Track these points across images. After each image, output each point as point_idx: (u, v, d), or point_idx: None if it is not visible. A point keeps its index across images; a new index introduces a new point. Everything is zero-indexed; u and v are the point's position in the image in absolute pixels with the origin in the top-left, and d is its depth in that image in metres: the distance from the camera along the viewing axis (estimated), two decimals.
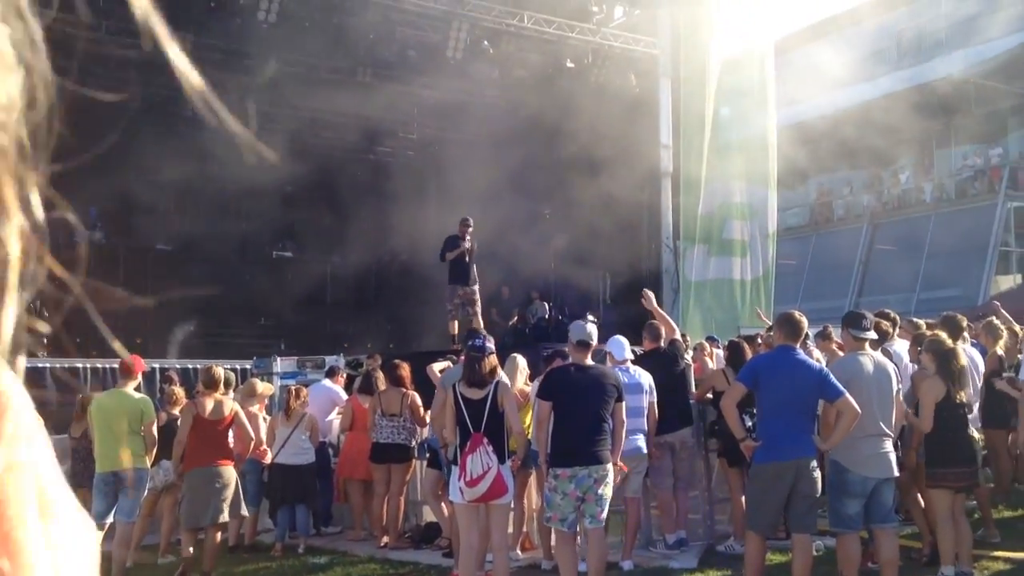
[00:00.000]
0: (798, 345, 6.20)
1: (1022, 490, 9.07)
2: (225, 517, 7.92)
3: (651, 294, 8.93)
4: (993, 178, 25.48)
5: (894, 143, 23.57)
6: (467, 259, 13.24)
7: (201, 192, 17.37)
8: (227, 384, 8.47)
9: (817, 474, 6.09)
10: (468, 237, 13.32)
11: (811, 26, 29.08)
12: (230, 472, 7.96)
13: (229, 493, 7.91)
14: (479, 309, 13.53)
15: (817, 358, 7.34)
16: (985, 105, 24.62)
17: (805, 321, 6.24)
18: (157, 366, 12.16)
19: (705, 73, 16.00)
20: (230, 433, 8.03)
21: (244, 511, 8.38)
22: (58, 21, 0.72)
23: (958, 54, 23.83)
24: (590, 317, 17.64)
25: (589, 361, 6.57)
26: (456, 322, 13.39)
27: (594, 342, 6.62)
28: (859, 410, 5.86)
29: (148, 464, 7.88)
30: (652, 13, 18.17)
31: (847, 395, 5.85)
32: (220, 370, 8.25)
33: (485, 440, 6.06)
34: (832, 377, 6.02)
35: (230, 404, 8.07)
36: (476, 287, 13.47)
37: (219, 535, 8.15)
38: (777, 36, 18.58)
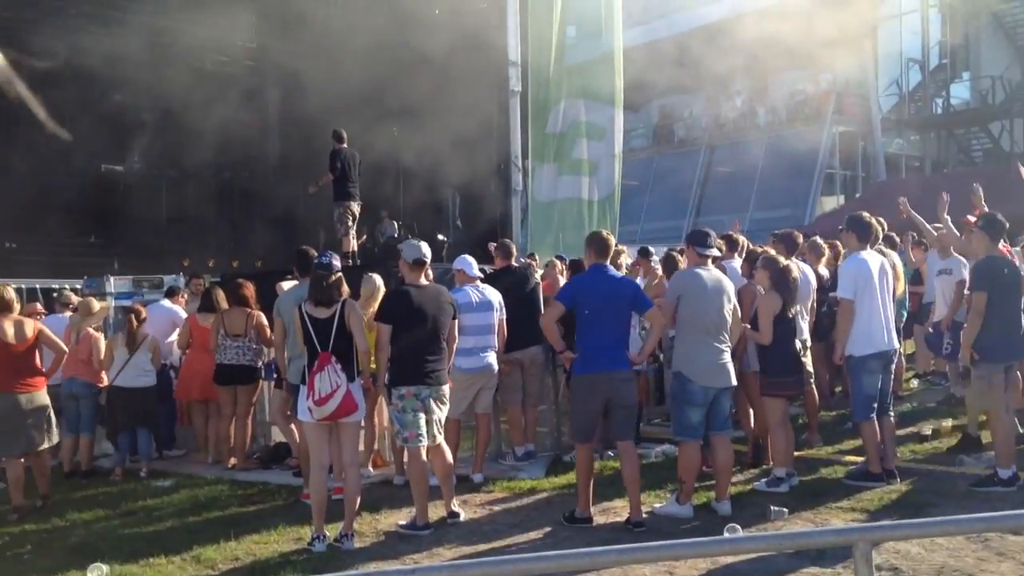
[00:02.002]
0: (608, 262, 6.43)
1: (840, 397, 9.80)
2: (40, 444, 7.56)
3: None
4: (822, 103, 26.77)
5: (732, 67, 24.28)
6: (354, 172, 12.81)
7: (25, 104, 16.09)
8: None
9: (631, 386, 6.41)
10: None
11: None
12: (41, 396, 7.58)
13: (42, 419, 7.55)
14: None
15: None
16: (815, 33, 25.67)
17: (613, 240, 6.54)
18: None
19: None
20: (37, 355, 7.61)
21: (55, 437, 7.92)
22: None
23: None
24: (440, 236, 17.64)
25: (424, 280, 6.57)
26: (349, 239, 12.98)
27: (428, 260, 6.62)
28: (665, 321, 6.38)
29: None
30: None
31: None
32: (10, 290, 7.75)
33: (333, 359, 5.99)
34: (641, 291, 6.57)
35: (31, 324, 7.63)
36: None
37: (46, 459, 7.81)
38: None
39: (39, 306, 10.11)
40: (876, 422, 6.91)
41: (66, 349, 8.06)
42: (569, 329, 6.61)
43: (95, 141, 18.11)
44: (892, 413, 7.31)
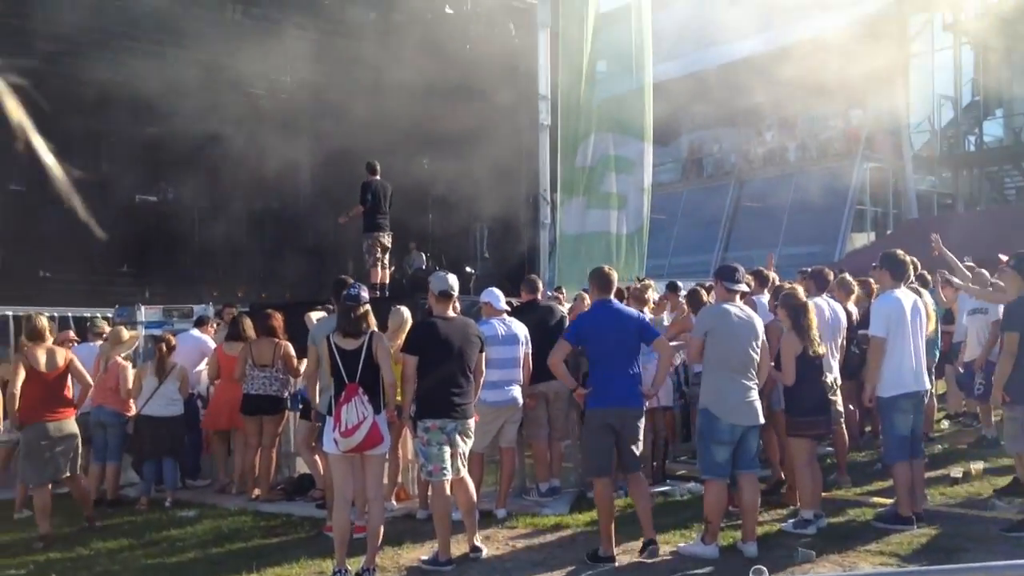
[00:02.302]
0: (612, 296, 6.50)
1: (870, 437, 9.66)
2: (66, 472, 7.63)
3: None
4: (851, 140, 26.64)
5: (762, 102, 24.31)
6: (384, 204, 12.93)
7: (59, 131, 16.39)
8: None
9: (642, 423, 6.41)
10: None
11: None
12: (69, 425, 7.66)
13: (70, 447, 7.63)
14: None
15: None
16: (845, 69, 25.67)
17: (615, 275, 6.60)
18: (11, 314, 11.52)
19: (583, 26, 16.02)
20: (67, 384, 7.70)
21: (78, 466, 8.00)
22: None
23: (829, 14, 24.62)
24: (468, 269, 17.70)
25: (451, 312, 6.58)
26: (378, 270, 13.06)
27: (455, 293, 6.64)
28: (693, 356, 6.43)
29: None
30: None
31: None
32: (43, 319, 7.87)
33: (360, 390, 5.99)
34: (648, 321, 6.61)
35: (63, 353, 7.72)
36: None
37: (81, 483, 7.90)
38: None
39: (72, 334, 10.23)
40: (910, 464, 6.79)
41: (91, 382, 8.14)
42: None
43: (130, 172, 18.38)
44: (923, 455, 7.18)
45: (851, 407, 8.80)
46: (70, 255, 15.79)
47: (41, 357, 7.50)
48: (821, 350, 7.03)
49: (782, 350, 6.93)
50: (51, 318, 10.20)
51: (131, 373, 9.10)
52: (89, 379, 8.06)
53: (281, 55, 18.69)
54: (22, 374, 7.40)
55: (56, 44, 15.36)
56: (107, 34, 14.68)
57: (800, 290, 7.43)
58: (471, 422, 6.53)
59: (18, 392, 7.37)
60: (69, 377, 7.70)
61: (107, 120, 15.88)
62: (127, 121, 16.89)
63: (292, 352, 8.78)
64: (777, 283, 8.58)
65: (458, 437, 6.38)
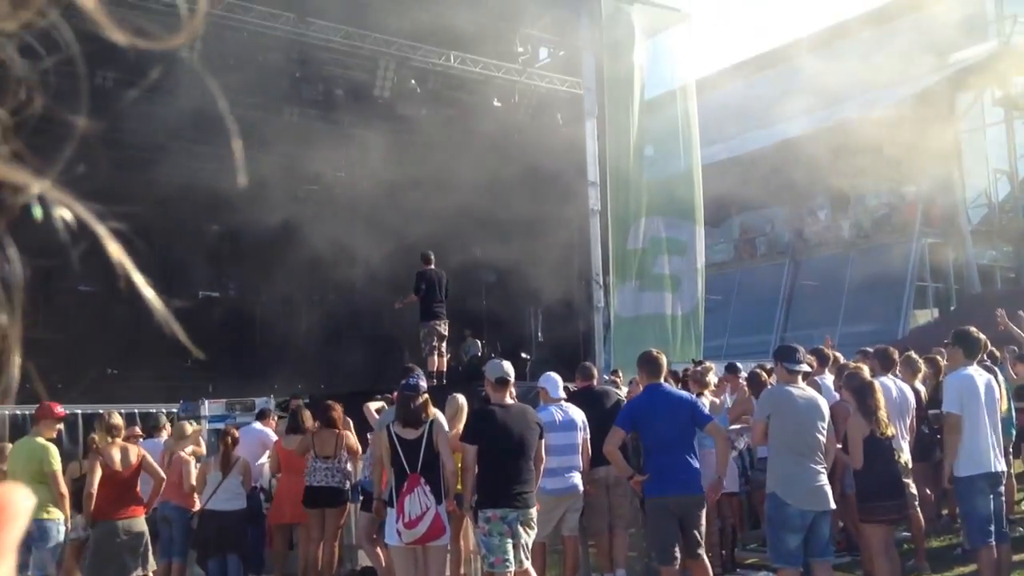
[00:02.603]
0: (662, 379, 6.50)
1: (948, 521, 9.30)
2: (133, 571, 7.64)
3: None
4: (907, 216, 26.38)
5: (813, 181, 24.26)
6: (440, 292, 13.12)
7: (127, 230, 16.99)
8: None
9: (704, 510, 6.32)
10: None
11: (733, 66, 29.94)
12: (139, 523, 7.70)
13: (138, 545, 7.66)
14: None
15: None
16: (898, 144, 25.60)
17: (664, 358, 6.58)
18: (79, 412, 11.75)
19: (630, 113, 16.31)
20: (139, 482, 7.78)
21: (152, 565, 8.02)
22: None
23: (875, 94, 24.72)
24: (523, 354, 17.69)
25: (509, 399, 6.56)
26: (435, 358, 13.16)
27: (512, 379, 6.62)
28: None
29: (57, 515, 7.52)
30: (576, 55, 18.51)
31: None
32: (118, 416, 8.00)
33: (422, 480, 5.97)
34: (700, 404, 6.52)
35: (135, 450, 7.82)
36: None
37: None
38: (700, 75, 19.07)
39: (137, 429, 10.40)
40: (995, 548, 6.52)
41: (164, 476, 8.20)
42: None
43: (195, 269, 18.94)
44: (1009, 539, 6.90)
45: (926, 490, 8.51)
46: (137, 352, 16.16)
47: (116, 455, 7.61)
48: (890, 431, 6.85)
49: (849, 432, 6.77)
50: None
51: (194, 467, 9.18)
52: (163, 474, 8.13)
53: (337, 151, 19.23)
54: (99, 472, 7.50)
55: (125, 148, 15.98)
56: (174, 136, 15.29)
57: (865, 370, 7.29)
58: (533, 511, 6.42)
59: (95, 492, 7.47)
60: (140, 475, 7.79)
61: (173, 218, 16.43)
62: (192, 218, 17.46)
63: (354, 442, 8.80)
64: (841, 362, 8.43)
65: (520, 527, 6.27)
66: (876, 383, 7.05)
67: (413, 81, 17.71)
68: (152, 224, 15.52)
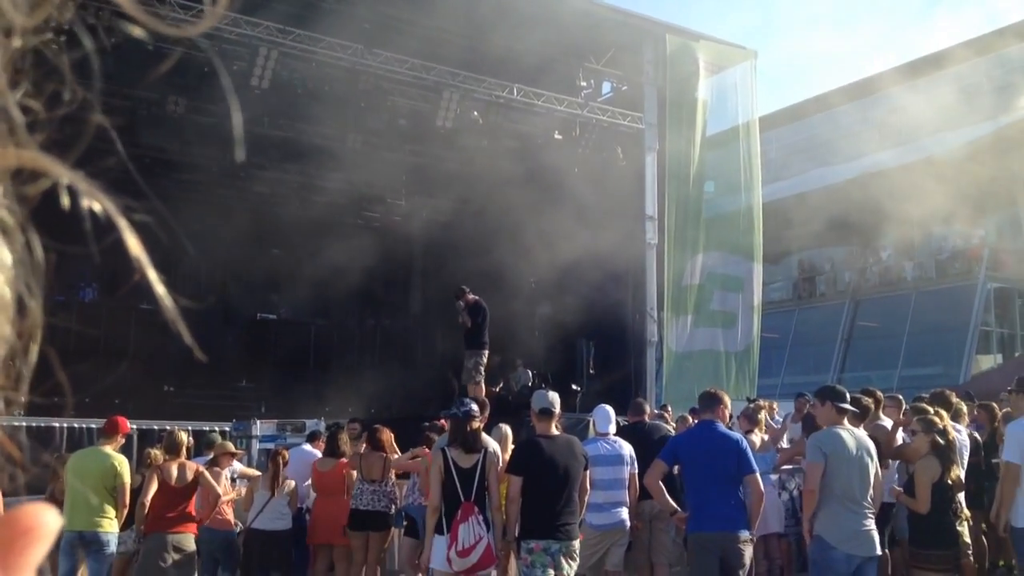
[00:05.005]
0: (716, 417, 6.36)
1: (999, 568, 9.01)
2: None
3: None
4: (973, 258, 25.79)
5: (876, 221, 23.89)
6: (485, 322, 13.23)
7: (187, 253, 17.42)
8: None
9: (747, 549, 6.14)
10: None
11: (797, 104, 29.69)
12: (188, 539, 7.78)
13: (184, 560, 7.73)
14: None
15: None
16: (964, 186, 25.12)
17: (725, 397, 6.47)
18: (134, 427, 11.98)
19: (690, 148, 16.28)
20: (193, 498, 7.89)
21: None
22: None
23: (945, 134, 24.30)
24: (574, 386, 17.63)
25: (554, 430, 6.53)
26: (482, 386, 13.21)
27: (557, 410, 6.59)
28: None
29: (114, 528, 7.67)
30: (638, 89, 18.57)
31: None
32: (183, 434, 8.12)
33: (476, 509, 5.97)
34: (748, 451, 6.29)
35: (193, 467, 7.94)
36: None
37: None
38: (763, 112, 18.97)
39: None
40: None
41: (220, 492, 8.28)
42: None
43: (252, 291, 19.31)
44: None
45: (981, 538, 8.27)
46: (192, 371, 16.46)
47: (173, 470, 7.73)
48: (956, 477, 6.65)
49: (917, 475, 6.59)
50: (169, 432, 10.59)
51: (224, 481, 9.20)
52: (219, 490, 8.20)
53: (395, 179, 19.51)
54: (155, 486, 7.64)
55: (193, 171, 16.42)
56: (232, 164, 15.66)
57: (944, 414, 7.12)
58: (576, 543, 6.38)
59: (148, 502, 7.61)
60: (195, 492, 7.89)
61: (230, 242, 16.77)
62: (255, 241, 17.82)
63: (408, 463, 8.81)
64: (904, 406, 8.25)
65: (562, 559, 6.23)
66: (951, 427, 6.91)
67: (476, 113, 17.90)
68: (213, 245, 15.88)
